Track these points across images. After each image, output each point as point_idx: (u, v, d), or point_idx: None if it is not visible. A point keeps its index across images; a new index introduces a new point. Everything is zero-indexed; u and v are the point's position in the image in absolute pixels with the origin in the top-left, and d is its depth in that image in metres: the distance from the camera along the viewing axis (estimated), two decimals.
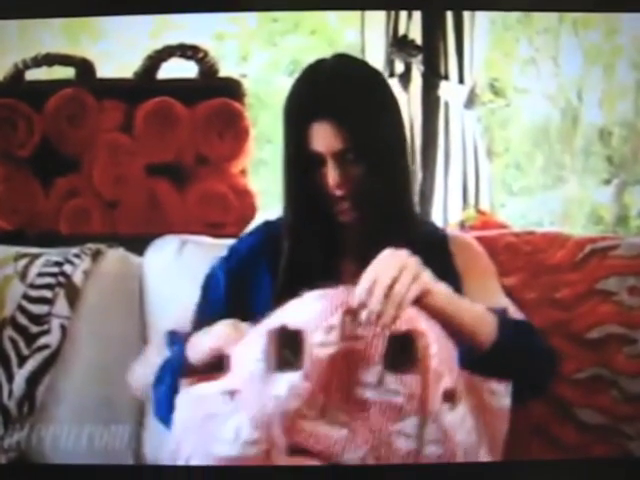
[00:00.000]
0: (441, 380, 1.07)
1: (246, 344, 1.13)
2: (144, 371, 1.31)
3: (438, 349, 1.08)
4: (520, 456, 1.29)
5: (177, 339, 1.29)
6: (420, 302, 1.10)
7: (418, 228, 1.31)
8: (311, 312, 1.07)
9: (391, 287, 1.06)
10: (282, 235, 1.30)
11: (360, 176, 1.25)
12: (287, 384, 1.05)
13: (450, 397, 1.08)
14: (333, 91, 1.24)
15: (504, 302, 1.30)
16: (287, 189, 1.29)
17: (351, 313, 1.06)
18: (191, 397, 1.17)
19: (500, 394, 1.14)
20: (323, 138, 1.24)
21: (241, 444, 1.04)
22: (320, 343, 1.05)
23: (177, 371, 1.21)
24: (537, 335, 1.25)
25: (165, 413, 1.21)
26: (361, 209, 1.27)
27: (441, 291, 1.14)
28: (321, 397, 1.05)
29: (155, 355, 1.31)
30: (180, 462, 1.13)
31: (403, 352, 1.06)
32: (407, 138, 1.35)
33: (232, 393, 1.11)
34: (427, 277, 1.11)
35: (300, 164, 1.26)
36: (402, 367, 1.06)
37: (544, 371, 1.25)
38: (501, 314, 1.21)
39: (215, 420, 1.10)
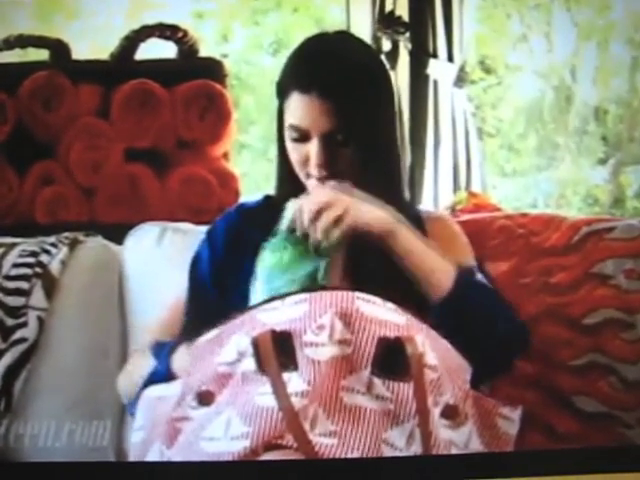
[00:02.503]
0: (441, 394, 1.06)
1: (204, 347, 1.10)
2: (129, 381, 1.30)
3: (439, 362, 1.06)
4: (515, 446, 1.25)
5: (162, 351, 1.26)
6: (384, 242, 1.17)
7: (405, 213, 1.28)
8: (298, 313, 1.06)
9: (319, 213, 1.13)
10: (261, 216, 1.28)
11: (347, 159, 1.22)
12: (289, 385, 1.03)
13: (451, 415, 1.07)
14: (330, 68, 1.21)
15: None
16: (277, 166, 1.28)
17: (342, 317, 1.05)
18: (150, 399, 1.15)
19: (512, 420, 1.13)
20: (312, 114, 1.20)
21: (231, 439, 1.01)
22: (311, 343, 1.04)
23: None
24: (503, 303, 1.23)
25: None
26: None
27: (405, 233, 1.18)
28: (314, 406, 1.02)
29: (140, 363, 1.28)
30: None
31: (395, 359, 1.05)
32: (396, 121, 1.34)
33: (200, 395, 1.08)
34: (360, 215, 1.15)
35: (282, 137, 1.24)
36: (392, 374, 1.05)
37: (506, 342, 1.21)
38: (465, 271, 1.21)
39: (189, 423, 1.08)
